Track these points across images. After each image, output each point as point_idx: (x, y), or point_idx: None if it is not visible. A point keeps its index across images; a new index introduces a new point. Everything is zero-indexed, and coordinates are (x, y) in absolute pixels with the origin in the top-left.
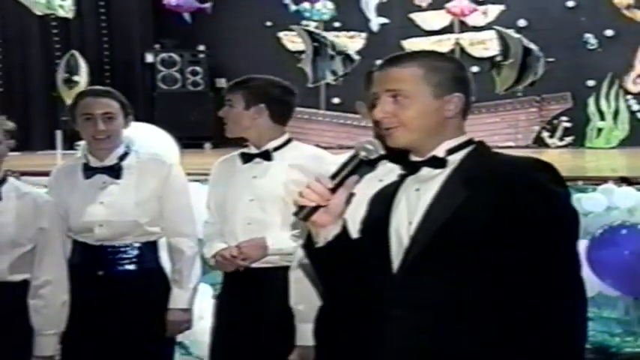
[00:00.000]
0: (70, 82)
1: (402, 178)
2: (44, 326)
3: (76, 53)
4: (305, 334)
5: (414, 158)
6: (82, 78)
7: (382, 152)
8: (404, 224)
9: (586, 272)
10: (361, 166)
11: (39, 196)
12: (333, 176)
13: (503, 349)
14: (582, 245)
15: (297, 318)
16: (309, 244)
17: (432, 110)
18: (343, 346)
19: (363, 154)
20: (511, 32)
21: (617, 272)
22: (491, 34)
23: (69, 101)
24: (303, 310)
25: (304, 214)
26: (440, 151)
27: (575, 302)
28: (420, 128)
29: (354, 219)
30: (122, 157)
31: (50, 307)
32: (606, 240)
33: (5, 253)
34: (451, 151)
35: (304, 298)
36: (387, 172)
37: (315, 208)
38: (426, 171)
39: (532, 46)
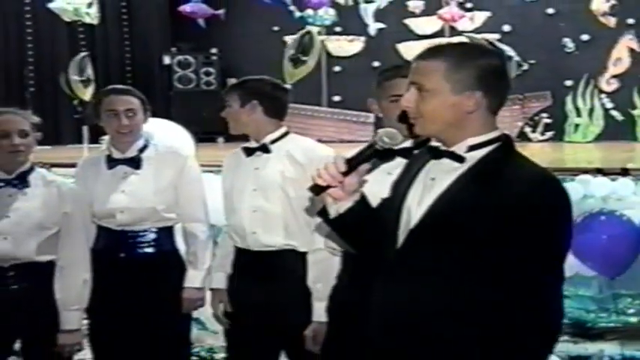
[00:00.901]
0: (85, 82)
1: (425, 162)
2: (68, 303)
3: (87, 56)
4: (320, 310)
5: (435, 144)
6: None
7: (399, 145)
8: (414, 206)
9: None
10: (376, 155)
11: (63, 183)
12: (349, 160)
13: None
14: None
15: (315, 296)
16: (323, 214)
17: (449, 105)
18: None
19: (380, 144)
20: (477, 36)
21: (596, 255)
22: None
23: (85, 98)
24: (321, 288)
25: (316, 190)
26: (462, 147)
27: (556, 281)
28: (439, 121)
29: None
30: (142, 150)
31: (73, 285)
32: (586, 226)
33: (33, 235)
34: (473, 147)
35: (322, 278)
36: (397, 166)
37: (327, 187)
38: (447, 161)
39: (504, 47)
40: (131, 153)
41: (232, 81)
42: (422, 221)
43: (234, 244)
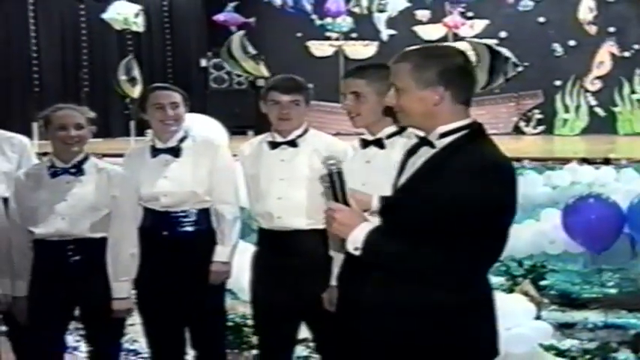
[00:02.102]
0: (132, 81)
1: (417, 150)
2: (118, 274)
3: (133, 58)
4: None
5: (419, 134)
6: (138, 77)
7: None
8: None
9: (557, 234)
10: (339, 177)
11: (112, 170)
12: (336, 199)
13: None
14: (556, 212)
15: (335, 264)
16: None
17: (417, 99)
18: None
19: (333, 169)
20: (478, 40)
21: (585, 233)
22: (466, 45)
23: (133, 95)
24: (337, 257)
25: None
26: (435, 135)
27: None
28: (413, 113)
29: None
30: (181, 140)
31: (122, 258)
32: (576, 207)
33: (86, 216)
34: (444, 135)
35: None
36: (373, 155)
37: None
38: (424, 148)
39: (502, 50)
40: (172, 143)
41: (260, 81)
42: (388, 203)
43: (259, 225)
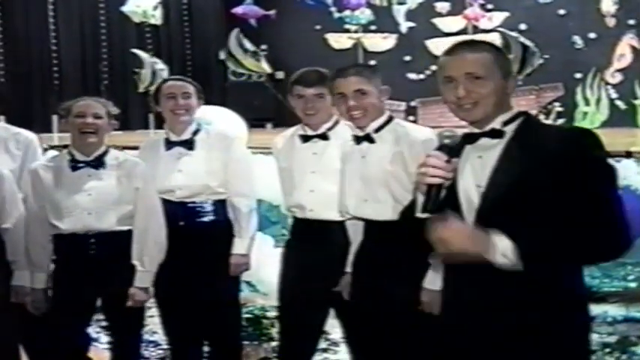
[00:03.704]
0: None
1: (461, 149)
2: (142, 264)
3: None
4: None
5: (473, 130)
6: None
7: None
8: (472, 187)
9: None
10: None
11: (133, 161)
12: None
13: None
14: None
15: (351, 251)
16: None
17: (499, 88)
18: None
19: (449, 142)
20: (512, 33)
21: None
22: (497, 36)
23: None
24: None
25: (438, 188)
26: (497, 124)
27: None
28: (490, 103)
29: None
30: (195, 133)
31: (147, 249)
32: None
33: (112, 210)
34: (506, 123)
35: (357, 239)
36: None
37: (442, 183)
38: (484, 141)
39: (528, 43)
40: (185, 136)
41: (279, 74)
42: (487, 196)
43: (293, 215)
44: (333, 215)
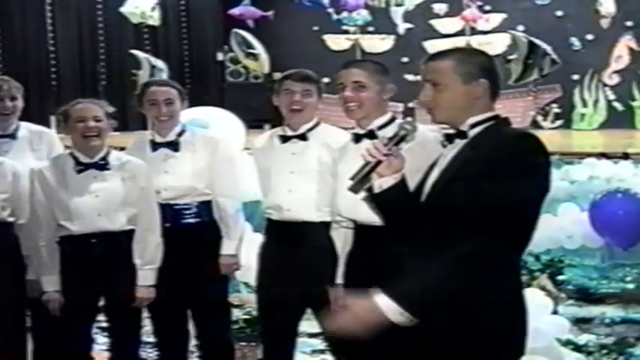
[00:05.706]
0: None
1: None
2: (144, 263)
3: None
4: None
5: (448, 131)
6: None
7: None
8: (428, 183)
9: (574, 229)
10: (401, 140)
11: (135, 161)
12: (386, 144)
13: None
14: (574, 207)
15: (341, 262)
16: (369, 190)
17: (461, 94)
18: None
19: (402, 132)
20: (521, 34)
21: (613, 228)
22: (496, 37)
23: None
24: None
25: (370, 166)
26: (465, 126)
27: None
28: (453, 108)
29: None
30: (179, 134)
31: (148, 248)
32: (605, 202)
33: (121, 210)
34: (474, 125)
35: (345, 248)
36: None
37: (377, 164)
38: (456, 141)
39: (538, 43)
40: (170, 137)
41: (277, 75)
42: (429, 195)
43: (268, 217)
44: (311, 216)
